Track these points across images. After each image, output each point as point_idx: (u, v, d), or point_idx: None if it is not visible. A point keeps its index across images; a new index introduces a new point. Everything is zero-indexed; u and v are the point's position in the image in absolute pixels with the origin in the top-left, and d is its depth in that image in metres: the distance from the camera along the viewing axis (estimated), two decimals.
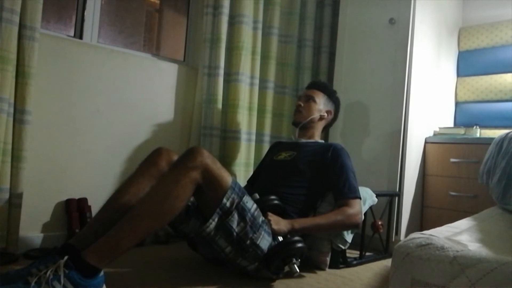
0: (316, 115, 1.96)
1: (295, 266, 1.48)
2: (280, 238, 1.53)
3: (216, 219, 1.36)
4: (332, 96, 2.03)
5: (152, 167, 1.45)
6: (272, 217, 1.55)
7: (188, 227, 1.56)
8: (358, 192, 1.74)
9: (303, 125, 1.97)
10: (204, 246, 1.58)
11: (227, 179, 1.39)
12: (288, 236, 1.56)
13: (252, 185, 1.95)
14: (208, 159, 1.34)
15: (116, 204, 1.36)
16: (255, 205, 1.46)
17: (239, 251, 1.41)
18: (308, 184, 1.78)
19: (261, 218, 1.47)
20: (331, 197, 1.78)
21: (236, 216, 1.37)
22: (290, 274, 1.51)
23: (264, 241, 1.44)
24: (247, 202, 1.42)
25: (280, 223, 1.56)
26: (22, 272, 1.11)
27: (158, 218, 1.26)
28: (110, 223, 1.24)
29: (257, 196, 1.62)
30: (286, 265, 1.48)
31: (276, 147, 2.08)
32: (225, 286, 1.46)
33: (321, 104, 1.98)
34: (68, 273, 1.11)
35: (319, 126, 2.00)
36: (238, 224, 1.38)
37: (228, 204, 1.37)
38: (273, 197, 1.64)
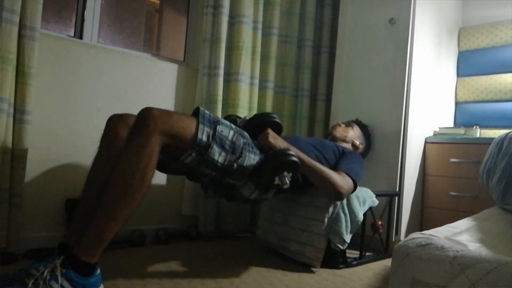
0: (349, 138, 2.12)
1: (286, 178, 1.47)
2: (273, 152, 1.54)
3: (193, 154, 1.32)
4: (366, 133, 2.22)
5: (113, 139, 1.36)
6: (271, 132, 1.56)
7: (170, 168, 1.55)
8: (357, 178, 1.76)
9: (335, 138, 2.10)
10: (190, 171, 1.56)
11: (191, 124, 1.32)
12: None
13: None
14: (161, 118, 1.25)
15: (91, 190, 1.31)
16: (231, 131, 1.43)
17: (227, 174, 1.43)
18: (326, 156, 1.83)
19: (242, 140, 1.45)
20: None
21: (215, 147, 1.35)
22: (280, 186, 1.49)
23: (250, 160, 1.45)
24: (222, 131, 1.39)
25: (277, 139, 1.57)
26: (20, 274, 1.11)
27: (132, 196, 1.18)
28: (92, 212, 1.20)
29: (247, 118, 1.64)
30: (276, 176, 1.47)
31: None
32: (225, 286, 1.46)
33: (357, 133, 2.17)
34: (65, 273, 1.11)
35: (349, 145, 2.12)
36: (220, 155, 1.36)
37: (204, 138, 1.33)
38: (275, 115, 1.66)
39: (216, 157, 1.36)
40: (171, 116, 1.30)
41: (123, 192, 1.18)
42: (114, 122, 1.40)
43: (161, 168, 1.53)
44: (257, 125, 1.58)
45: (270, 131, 1.57)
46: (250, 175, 1.47)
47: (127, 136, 1.30)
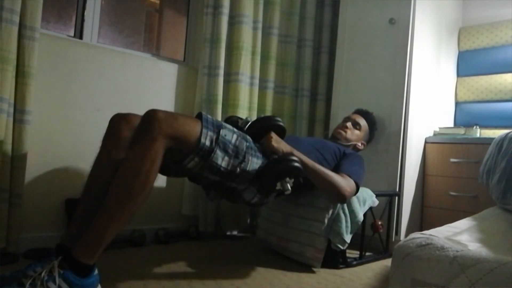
0: (354, 143, 2.08)
1: (288, 184, 1.46)
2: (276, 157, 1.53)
3: (196, 159, 1.31)
4: (372, 132, 2.16)
5: (115, 139, 1.33)
6: (274, 136, 1.55)
7: (172, 170, 1.54)
8: (359, 180, 1.75)
9: (338, 139, 2.06)
10: (193, 175, 1.56)
11: (195, 128, 1.31)
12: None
13: None
14: (167, 121, 1.23)
15: (92, 191, 1.29)
16: (235, 135, 1.42)
17: (230, 178, 1.42)
18: (326, 157, 1.81)
19: (245, 144, 1.44)
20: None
21: (219, 152, 1.34)
22: (281, 192, 1.49)
23: (253, 165, 1.44)
24: (225, 135, 1.38)
25: (280, 143, 1.55)
26: (18, 274, 1.11)
27: (134, 199, 1.18)
28: (92, 212, 1.19)
29: (248, 119, 1.61)
30: (278, 181, 1.46)
31: None
32: (225, 286, 1.46)
33: (362, 134, 2.11)
34: (63, 273, 1.11)
35: (350, 149, 2.08)
36: (223, 159, 1.35)
37: (207, 142, 1.32)
38: (278, 118, 1.64)
39: (219, 162, 1.34)
40: (177, 119, 1.28)
41: (125, 194, 1.17)
42: (117, 121, 1.37)
43: (162, 170, 1.51)
44: (261, 129, 1.56)
45: (273, 134, 1.56)
46: (253, 179, 1.46)
47: (131, 138, 1.29)
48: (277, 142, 1.54)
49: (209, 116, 1.40)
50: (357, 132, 2.09)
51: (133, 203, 1.18)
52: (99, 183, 1.28)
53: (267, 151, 1.53)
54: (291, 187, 1.48)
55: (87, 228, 1.17)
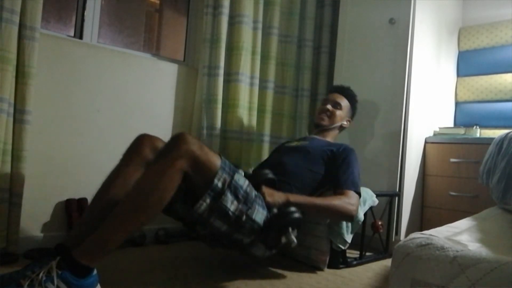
0: (339, 123, 2.03)
1: (293, 236, 1.46)
2: (276, 212, 1.51)
3: (208, 200, 1.32)
4: (354, 106, 2.11)
5: (136, 156, 1.40)
6: (266, 190, 1.54)
7: (179, 212, 1.52)
8: (359, 189, 1.74)
9: (324, 129, 2.02)
10: (198, 226, 1.54)
11: (216, 162, 1.34)
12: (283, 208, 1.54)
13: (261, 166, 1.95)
14: (194, 145, 1.28)
15: (104, 198, 1.33)
16: (246, 181, 1.43)
17: (235, 227, 1.40)
18: (315, 169, 1.79)
19: (254, 193, 1.44)
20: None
21: (229, 195, 1.34)
22: (288, 245, 1.48)
23: (259, 215, 1.43)
24: (238, 180, 1.39)
25: (274, 196, 1.54)
26: (16, 275, 1.10)
27: (146, 211, 1.21)
28: (99, 219, 1.22)
29: (249, 171, 1.60)
30: (283, 235, 1.46)
31: (288, 141, 2.13)
32: (224, 286, 1.46)
33: (344, 112, 2.06)
34: (61, 274, 1.10)
35: (336, 132, 2.07)
36: (232, 203, 1.35)
37: (219, 184, 1.33)
38: (267, 171, 1.62)
39: (228, 205, 1.34)
40: (202, 147, 1.32)
41: (138, 207, 1.21)
42: (142, 140, 1.44)
43: (167, 209, 1.51)
44: (253, 186, 1.53)
45: (265, 189, 1.54)
46: (258, 232, 1.44)
47: (151, 159, 1.37)
48: (270, 195, 1.52)
49: (226, 161, 1.42)
50: (339, 112, 2.02)
51: (145, 216, 1.22)
52: (111, 193, 1.33)
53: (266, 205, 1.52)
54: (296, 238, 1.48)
55: (92, 232, 1.18)
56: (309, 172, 1.78)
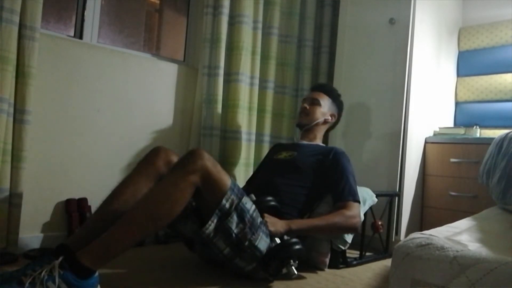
0: (321, 119, 1.98)
1: (293, 268, 1.47)
2: (278, 240, 1.52)
3: (215, 221, 1.35)
4: (336, 99, 2.07)
5: (150, 167, 1.43)
6: (269, 219, 1.54)
7: (186, 228, 1.54)
8: (358, 196, 1.74)
9: (307, 128, 1.99)
10: (201, 246, 1.58)
11: (227, 181, 1.37)
12: (285, 237, 1.55)
13: (251, 185, 1.95)
14: (209, 162, 1.32)
15: (113, 204, 1.34)
16: (253, 206, 1.46)
17: (237, 252, 1.40)
18: (307, 184, 1.79)
19: (259, 219, 1.46)
20: (329, 197, 1.79)
21: (235, 217, 1.36)
22: (288, 276, 1.50)
23: (262, 242, 1.43)
24: (246, 203, 1.41)
25: (276, 225, 1.54)
26: (17, 273, 1.10)
27: (155, 221, 1.24)
28: (107, 223, 1.23)
29: (253, 197, 1.60)
30: (284, 267, 1.47)
31: (277, 147, 2.09)
32: (224, 287, 1.46)
33: (325, 107, 2.00)
34: (63, 274, 1.10)
35: (322, 129, 2.03)
36: (237, 226, 1.37)
37: (227, 205, 1.36)
38: (269, 198, 1.62)
39: (233, 227, 1.36)
40: (216, 165, 1.36)
41: (149, 216, 1.22)
42: (157, 153, 1.46)
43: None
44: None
45: (268, 217, 1.54)
46: (259, 260, 1.44)
47: (164, 172, 1.40)
48: (273, 225, 1.53)
49: (236, 183, 1.43)
50: (318, 108, 1.97)
51: (153, 225, 1.24)
52: (120, 200, 1.34)
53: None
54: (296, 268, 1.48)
55: (97, 235, 1.19)
56: (301, 188, 1.78)
